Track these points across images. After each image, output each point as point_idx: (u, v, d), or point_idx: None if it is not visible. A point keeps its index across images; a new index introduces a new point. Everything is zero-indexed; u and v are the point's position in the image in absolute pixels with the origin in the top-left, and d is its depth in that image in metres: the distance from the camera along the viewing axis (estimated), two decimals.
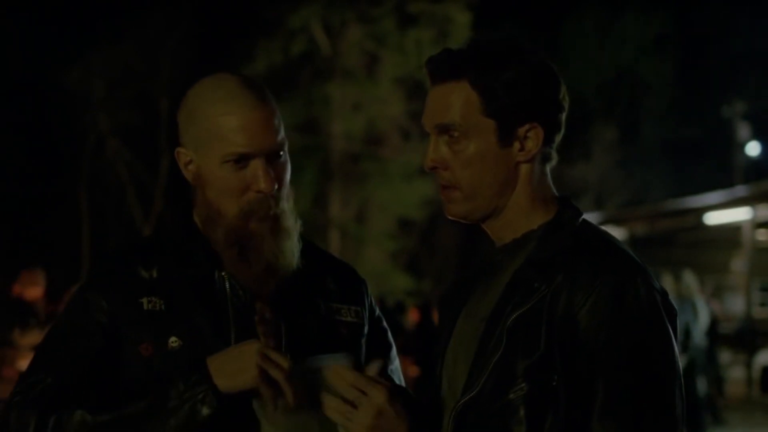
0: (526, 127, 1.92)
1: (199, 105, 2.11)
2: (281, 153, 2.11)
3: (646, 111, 32.82)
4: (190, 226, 2.17)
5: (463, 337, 1.97)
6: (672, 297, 1.96)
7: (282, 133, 2.11)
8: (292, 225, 2.13)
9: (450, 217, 1.99)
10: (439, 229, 29.46)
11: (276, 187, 2.08)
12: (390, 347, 2.31)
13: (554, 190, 2.00)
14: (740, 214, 17.98)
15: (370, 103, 26.29)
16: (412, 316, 14.72)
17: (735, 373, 16.85)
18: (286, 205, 2.12)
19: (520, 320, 1.84)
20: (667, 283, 11.60)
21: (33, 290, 8.53)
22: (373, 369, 1.94)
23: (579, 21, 32.47)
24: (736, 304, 20.60)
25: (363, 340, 2.23)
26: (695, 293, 11.98)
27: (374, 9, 26.05)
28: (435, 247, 30.68)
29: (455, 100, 1.92)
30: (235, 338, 2.06)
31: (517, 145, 1.93)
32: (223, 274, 2.11)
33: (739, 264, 19.63)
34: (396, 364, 2.31)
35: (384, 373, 2.01)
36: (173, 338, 2.05)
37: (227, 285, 2.11)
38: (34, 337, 7.66)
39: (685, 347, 11.15)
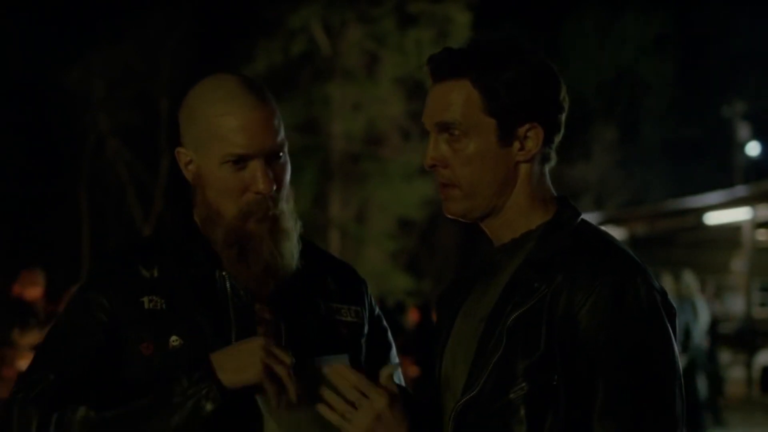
0: (527, 126, 1.92)
1: (199, 105, 2.11)
2: (281, 154, 2.11)
3: (646, 111, 32.80)
4: (190, 226, 2.17)
5: (461, 337, 1.97)
6: (672, 297, 1.96)
7: (282, 134, 2.11)
8: (292, 226, 2.12)
9: (449, 215, 1.99)
10: (439, 229, 29.46)
11: (275, 188, 2.08)
12: (390, 347, 2.32)
13: (553, 191, 2.01)
14: (740, 214, 17.97)
15: (370, 103, 26.26)
16: (412, 316, 14.70)
17: (735, 373, 16.82)
18: (286, 206, 2.12)
19: (520, 320, 1.85)
20: (667, 283, 11.60)
21: (33, 290, 8.53)
22: (386, 373, 1.93)
23: (579, 21, 32.45)
24: (736, 304, 20.57)
25: (363, 340, 2.23)
26: (695, 293, 11.97)
27: (374, 9, 26.03)
28: (435, 247, 30.67)
29: (456, 98, 1.92)
30: (236, 337, 2.06)
31: (517, 144, 1.93)
32: (223, 273, 2.11)
33: (739, 264, 19.60)
34: (396, 363, 2.31)
35: (395, 379, 2.01)
36: (174, 337, 2.05)
37: (228, 285, 2.11)
38: (33, 337, 7.67)
39: (685, 347, 11.15)
